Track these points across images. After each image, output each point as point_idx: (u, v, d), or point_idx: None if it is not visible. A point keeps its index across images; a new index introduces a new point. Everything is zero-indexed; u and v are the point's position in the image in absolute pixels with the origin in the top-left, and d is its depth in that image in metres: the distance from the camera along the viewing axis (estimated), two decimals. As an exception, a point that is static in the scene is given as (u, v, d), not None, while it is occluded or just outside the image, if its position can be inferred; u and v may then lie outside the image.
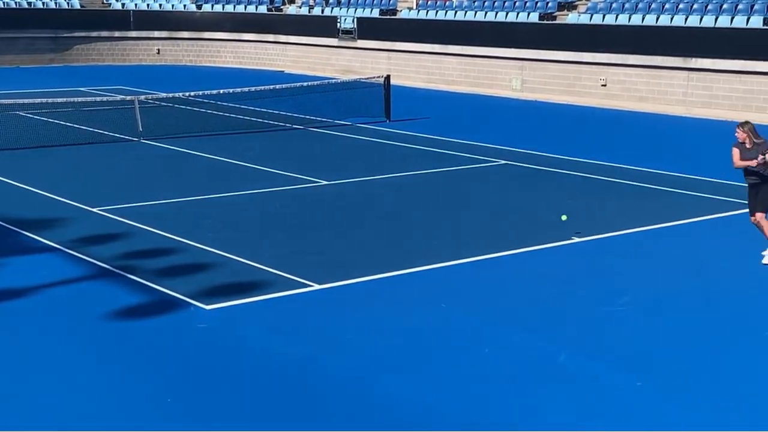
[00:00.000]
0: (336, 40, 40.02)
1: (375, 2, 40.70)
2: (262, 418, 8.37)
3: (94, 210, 15.91)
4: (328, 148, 22.64)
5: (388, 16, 39.50)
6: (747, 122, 12.78)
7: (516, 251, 13.44)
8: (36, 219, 15.29)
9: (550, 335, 10.32)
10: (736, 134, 12.64)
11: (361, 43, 38.98)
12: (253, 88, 28.26)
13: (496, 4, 36.05)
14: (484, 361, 9.63)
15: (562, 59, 31.65)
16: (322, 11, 42.35)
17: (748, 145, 12.51)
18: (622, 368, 9.40)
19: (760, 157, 12.29)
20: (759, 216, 12.65)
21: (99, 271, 12.55)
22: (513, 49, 33.13)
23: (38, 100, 25.09)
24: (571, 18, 33.01)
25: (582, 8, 33.49)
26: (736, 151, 12.58)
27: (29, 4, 45.32)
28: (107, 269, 12.58)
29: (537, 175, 19.03)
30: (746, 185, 12.83)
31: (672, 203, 16.52)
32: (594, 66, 30.87)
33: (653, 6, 31.02)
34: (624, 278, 12.35)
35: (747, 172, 12.61)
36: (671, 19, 29.95)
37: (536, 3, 34.79)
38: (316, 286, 11.89)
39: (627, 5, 31.82)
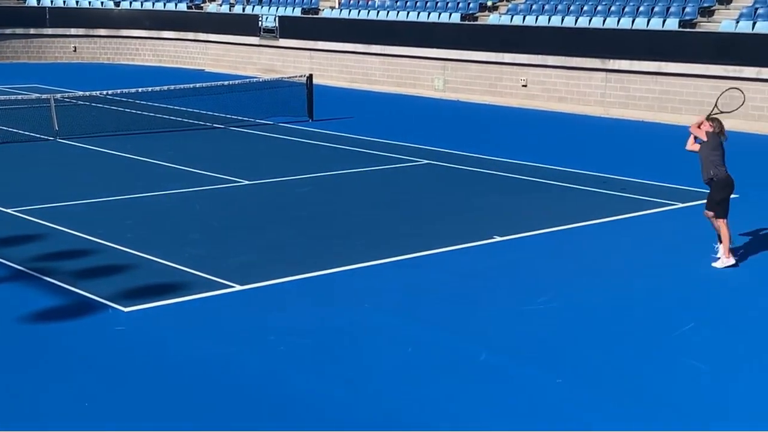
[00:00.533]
0: (257, 38, 39.72)
1: (297, 1, 40.52)
2: (179, 418, 8.27)
3: (9, 211, 15.54)
4: (250, 147, 22.47)
5: (311, 15, 39.36)
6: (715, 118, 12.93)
7: (438, 251, 13.49)
8: (-53, 220, 14.89)
9: (472, 334, 10.38)
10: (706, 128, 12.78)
11: (283, 42, 38.76)
12: (172, 87, 27.89)
13: (418, 4, 36.18)
14: (407, 360, 9.64)
15: (484, 60, 31.90)
16: (243, 9, 42.02)
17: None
18: (542, 366, 9.50)
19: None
20: (721, 222, 12.71)
21: (14, 273, 12.27)
22: (435, 49, 33.27)
23: (-50, 98, 24.43)
24: (492, 19, 33.29)
25: (503, 9, 33.80)
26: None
27: (-60, -1, 44.12)
28: (22, 271, 12.31)
29: (459, 175, 19.14)
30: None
31: (592, 202, 16.75)
32: (515, 66, 31.17)
33: (572, 8, 31.45)
34: (544, 277, 12.47)
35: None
36: (590, 20, 30.41)
37: (458, 4, 35.00)
38: (238, 287, 11.77)
39: (546, 7, 32.21)
